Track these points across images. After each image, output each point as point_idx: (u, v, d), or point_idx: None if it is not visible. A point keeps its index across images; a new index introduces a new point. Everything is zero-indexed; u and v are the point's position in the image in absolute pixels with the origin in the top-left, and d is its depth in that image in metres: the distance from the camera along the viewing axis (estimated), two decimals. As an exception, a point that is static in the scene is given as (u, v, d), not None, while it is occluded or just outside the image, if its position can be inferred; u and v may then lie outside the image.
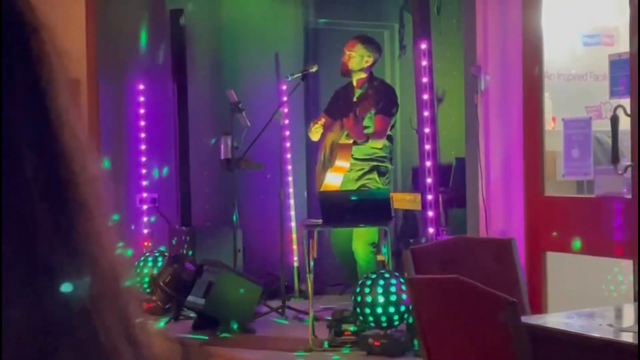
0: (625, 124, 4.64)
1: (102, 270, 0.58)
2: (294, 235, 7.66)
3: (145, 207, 7.56)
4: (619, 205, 4.74)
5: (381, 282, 5.42)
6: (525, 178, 5.38)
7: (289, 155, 7.66)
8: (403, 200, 6.99)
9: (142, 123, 7.63)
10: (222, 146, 6.86)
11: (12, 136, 0.55)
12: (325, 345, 5.58)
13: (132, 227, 7.40)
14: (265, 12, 8.04)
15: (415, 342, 5.09)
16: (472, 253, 4.09)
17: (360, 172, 6.53)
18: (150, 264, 6.90)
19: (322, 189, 6.47)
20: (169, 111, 7.56)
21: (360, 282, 5.55)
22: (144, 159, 7.62)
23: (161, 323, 6.40)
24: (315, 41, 8.21)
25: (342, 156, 6.49)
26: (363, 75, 6.65)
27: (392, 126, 6.66)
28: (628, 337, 2.94)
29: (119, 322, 0.58)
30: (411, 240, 6.50)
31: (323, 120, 6.65)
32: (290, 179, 7.72)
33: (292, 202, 7.74)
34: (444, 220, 6.04)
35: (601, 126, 5.18)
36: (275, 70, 7.47)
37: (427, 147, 5.88)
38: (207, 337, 5.99)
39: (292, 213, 7.72)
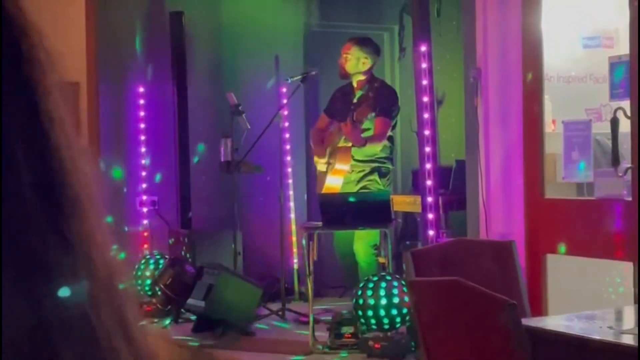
0: (625, 126, 4.64)
1: (99, 271, 0.58)
2: (294, 238, 7.66)
3: (145, 209, 7.55)
4: (619, 208, 4.74)
5: (381, 284, 5.42)
6: (525, 180, 5.38)
7: (288, 158, 7.66)
8: (403, 203, 6.99)
9: (142, 125, 7.63)
10: (222, 149, 6.86)
11: (2, 136, 0.55)
12: (326, 347, 5.58)
13: (132, 229, 7.40)
14: (265, 15, 8.04)
15: (415, 344, 5.09)
16: (472, 255, 4.09)
17: (362, 174, 6.53)
18: (150, 266, 6.90)
19: (323, 192, 6.47)
20: (169, 114, 7.56)
21: (360, 284, 5.55)
22: (143, 161, 7.62)
23: (163, 324, 6.40)
24: (315, 43, 8.21)
25: (341, 159, 6.49)
26: (362, 77, 6.63)
27: (393, 127, 6.66)
28: (628, 340, 2.93)
29: (117, 323, 0.58)
30: (411, 243, 6.50)
31: (324, 157, 6.61)
32: (290, 181, 7.72)
33: (292, 204, 7.74)
34: (444, 223, 6.04)
35: (601, 128, 5.18)
36: (275, 73, 7.47)
37: (427, 149, 5.88)
38: (207, 340, 5.99)
39: (292, 215, 7.72)
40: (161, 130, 7.62)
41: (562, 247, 5.13)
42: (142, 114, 7.63)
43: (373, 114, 6.46)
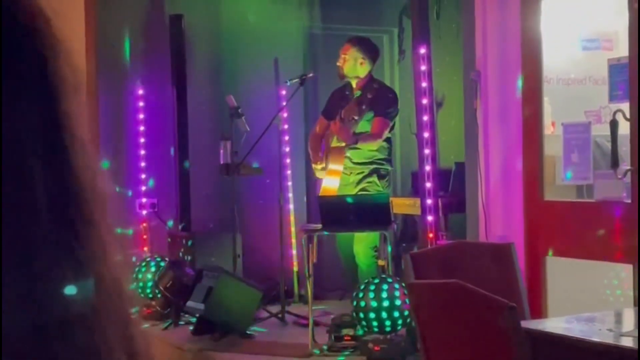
0: (624, 128, 4.64)
1: (105, 285, 0.59)
2: (294, 240, 7.66)
3: (144, 212, 7.55)
4: (618, 210, 4.74)
5: (381, 286, 5.41)
6: (525, 182, 5.38)
7: (288, 160, 7.66)
8: (402, 205, 6.99)
9: (142, 128, 7.63)
10: (222, 151, 6.86)
11: (24, 150, 0.55)
12: (325, 350, 5.58)
13: (131, 231, 7.39)
14: (264, 17, 8.04)
15: (415, 346, 5.08)
16: (471, 258, 4.09)
17: (361, 176, 6.52)
18: (149, 269, 6.89)
19: (320, 193, 6.47)
20: (168, 116, 7.56)
21: (360, 286, 5.54)
22: (143, 164, 7.61)
23: (162, 326, 6.40)
24: (315, 46, 8.22)
25: (335, 159, 6.48)
26: (361, 78, 6.62)
27: (392, 128, 6.64)
28: (628, 342, 2.93)
29: (119, 334, 0.59)
30: (411, 245, 6.50)
31: (322, 163, 6.61)
32: (289, 183, 7.72)
33: (291, 206, 7.74)
34: (443, 225, 6.04)
35: (600, 130, 5.18)
36: (274, 75, 7.47)
37: (427, 151, 5.88)
38: (206, 343, 5.99)
39: (292, 218, 7.72)
40: (161, 132, 7.62)
41: (562, 250, 5.13)
42: (141, 116, 7.64)
43: (366, 116, 6.44)
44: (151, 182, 7.63)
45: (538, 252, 5.27)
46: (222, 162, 6.87)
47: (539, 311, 5.04)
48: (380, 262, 6.10)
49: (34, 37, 0.58)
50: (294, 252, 7.61)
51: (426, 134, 5.90)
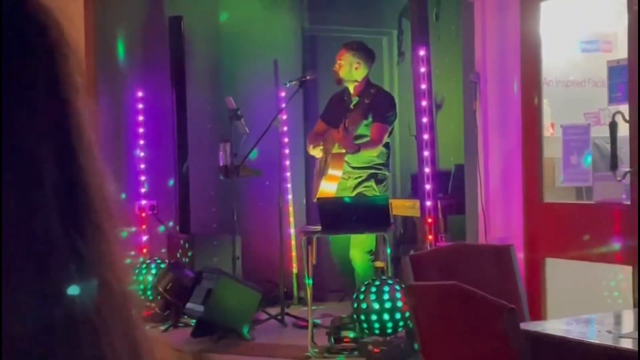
0: (623, 130, 4.64)
1: (111, 287, 0.59)
2: (293, 242, 7.65)
3: (144, 214, 7.55)
4: (617, 212, 4.74)
5: (381, 288, 5.41)
6: (524, 184, 5.38)
7: (287, 162, 7.66)
8: (402, 207, 7.00)
9: (141, 130, 7.63)
10: (221, 153, 6.86)
11: (34, 156, 0.56)
12: (325, 352, 5.58)
13: (131, 234, 7.39)
14: (263, 19, 8.05)
15: (415, 347, 5.08)
16: (471, 260, 4.09)
17: (358, 180, 6.51)
18: (149, 271, 6.89)
19: (317, 197, 6.47)
20: (167, 118, 7.56)
21: (359, 288, 5.54)
22: (142, 166, 7.62)
23: (162, 328, 6.40)
24: (314, 48, 8.22)
25: (334, 165, 6.48)
26: (358, 82, 6.60)
27: (390, 133, 6.64)
28: (627, 344, 2.93)
29: (123, 336, 0.59)
30: (410, 247, 6.50)
31: (318, 145, 6.60)
32: (289, 185, 7.71)
33: (291, 208, 7.73)
34: (443, 227, 6.04)
35: (600, 132, 5.18)
36: (274, 77, 7.47)
37: (426, 153, 5.88)
38: (206, 345, 5.99)
39: (291, 220, 7.72)
40: (160, 134, 7.62)
41: (561, 252, 5.13)
42: (140, 118, 7.64)
43: (365, 122, 6.44)
44: (150, 184, 7.63)
45: (537, 254, 5.27)
46: (221, 164, 6.87)
47: (538, 313, 5.04)
48: (379, 264, 6.09)
49: (45, 39, 0.58)
50: (294, 254, 7.61)
51: (426, 136, 5.90)
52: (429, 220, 5.83)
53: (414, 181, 7.24)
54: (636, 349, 2.80)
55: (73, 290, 0.56)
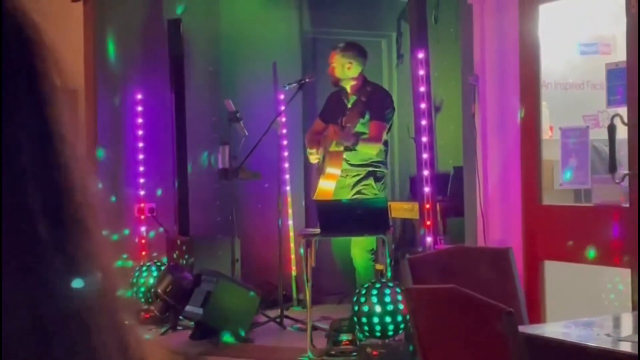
0: (622, 132, 4.65)
1: (99, 286, 0.59)
2: (292, 245, 7.65)
3: (143, 216, 7.55)
4: (616, 214, 4.74)
5: (379, 291, 5.41)
6: (523, 187, 5.38)
7: (286, 165, 7.66)
8: (401, 209, 7.00)
9: (140, 132, 7.63)
10: (220, 155, 6.86)
11: (16, 155, 0.56)
12: (324, 355, 5.57)
13: (130, 236, 7.39)
14: (263, 22, 8.05)
15: (413, 350, 5.08)
16: (469, 262, 4.09)
17: (357, 178, 6.52)
18: (148, 273, 6.89)
19: (316, 196, 6.48)
20: (167, 120, 7.56)
21: (358, 291, 5.54)
22: (141, 168, 7.61)
23: (161, 331, 6.39)
24: (313, 50, 8.22)
25: (332, 163, 6.49)
26: (354, 81, 6.64)
27: (389, 130, 6.65)
28: (626, 347, 2.93)
29: (113, 333, 0.59)
30: (409, 250, 6.50)
31: (317, 150, 6.62)
32: (288, 188, 7.71)
33: (290, 211, 7.73)
34: (441, 230, 6.04)
35: (598, 135, 5.18)
36: (273, 80, 7.47)
37: (425, 156, 5.88)
38: (205, 347, 5.98)
39: (290, 222, 7.72)
40: (159, 137, 7.62)
41: (560, 254, 5.13)
42: (140, 120, 7.63)
43: (362, 120, 6.46)
44: (149, 187, 7.63)
45: (536, 257, 5.27)
46: (220, 167, 6.87)
47: (537, 316, 5.04)
48: (379, 267, 6.09)
49: (24, 46, 0.58)
50: (293, 256, 7.61)
51: (424, 139, 5.90)
52: (428, 222, 5.83)
53: (412, 183, 7.24)
54: (635, 352, 2.80)
55: (61, 287, 0.56)
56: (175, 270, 6.68)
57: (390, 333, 5.39)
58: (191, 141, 7.56)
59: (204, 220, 7.58)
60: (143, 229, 7.56)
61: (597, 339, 3.07)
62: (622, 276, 4.90)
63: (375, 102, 6.52)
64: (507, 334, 2.91)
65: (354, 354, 5.49)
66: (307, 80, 6.77)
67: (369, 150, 6.46)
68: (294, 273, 7.54)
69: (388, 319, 5.36)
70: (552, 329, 3.51)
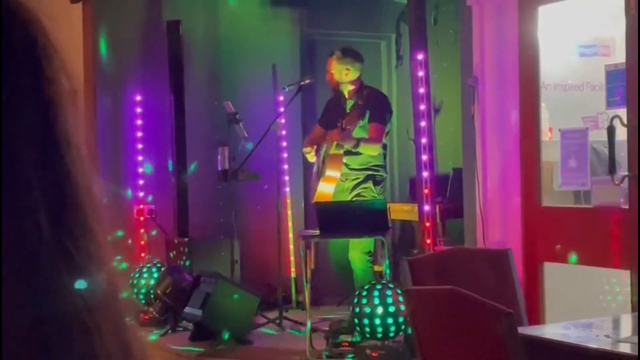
0: (622, 134, 4.65)
1: (102, 288, 0.60)
2: (292, 246, 7.65)
3: (142, 218, 7.55)
4: (616, 216, 4.74)
5: (379, 292, 5.41)
6: (522, 188, 5.38)
7: (286, 166, 7.66)
8: (400, 211, 7.00)
9: (140, 134, 7.63)
10: (220, 157, 6.86)
11: (21, 157, 0.56)
12: (323, 356, 5.57)
13: (129, 238, 7.39)
14: (262, 24, 8.05)
15: (412, 353, 5.08)
16: (469, 264, 4.09)
17: (356, 182, 6.53)
18: (147, 275, 6.89)
19: (315, 199, 6.49)
20: (166, 122, 7.56)
21: (357, 292, 5.54)
22: (141, 170, 7.61)
23: (160, 333, 6.39)
24: (313, 52, 8.22)
25: (332, 166, 6.50)
26: (352, 86, 6.68)
27: (387, 133, 6.66)
28: (626, 348, 2.93)
29: (115, 335, 0.60)
30: (408, 251, 6.50)
31: (312, 147, 6.64)
32: (287, 189, 7.71)
33: (289, 212, 7.73)
34: (441, 231, 6.04)
35: (598, 136, 5.18)
36: (272, 82, 7.47)
37: (424, 157, 5.88)
38: (204, 349, 5.98)
39: (290, 224, 7.71)
40: (158, 138, 7.62)
41: (559, 255, 5.13)
42: (139, 122, 7.63)
43: (362, 122, 6.48)
44: (149, 188, 7.63)
45: (535, 258, 5.27)
46: (220, 168, 6.88)
47: (536, 317, 5.04)
48: (377, 268, 6.09)
49: (30, 46, 0.58)
50: (292, 258, 7.61)
51: (424, 140, 5.90)
52: (427, 224, 5.83)
53: (412, 185, 7.24)
54: (635, 353, 2.80)
55: (63, 289, 0.56)
56: (174, 272, 6.68)
57: (392, 334, 5.39)
58: (190, 143, 7.56)
59: (203, 222, 7.58)
60: (142, 230, 7.56)
61: (596, 340, 3.07)
62: (619, 277, 4.90)
63: (374, 105, 6.55)
64: (506, 335, 2.90)
65: (354, 355, 5.49)
66: (306, 81, 6.78)
67: (370, 151, 6.48)
68: (293, 274, 7.54)
69: (390, 320, 5.36)
70: (552, 330, 3.51)
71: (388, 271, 5.78)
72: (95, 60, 7.41)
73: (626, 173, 4.60)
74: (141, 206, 7.55)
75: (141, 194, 7.59)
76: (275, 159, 7.16)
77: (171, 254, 7.33)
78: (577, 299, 5.11)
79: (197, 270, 6.70)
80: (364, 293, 5.44)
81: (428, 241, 5.80)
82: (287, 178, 7.69)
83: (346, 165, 6.52)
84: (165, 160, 7.59)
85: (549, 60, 5.49)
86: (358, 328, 5.43)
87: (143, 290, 6.81)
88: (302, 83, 6.75)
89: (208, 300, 6.05)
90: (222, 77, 7.94)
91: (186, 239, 7.33)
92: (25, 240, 0.56)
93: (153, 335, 6.33)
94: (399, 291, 5.38)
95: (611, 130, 4.59)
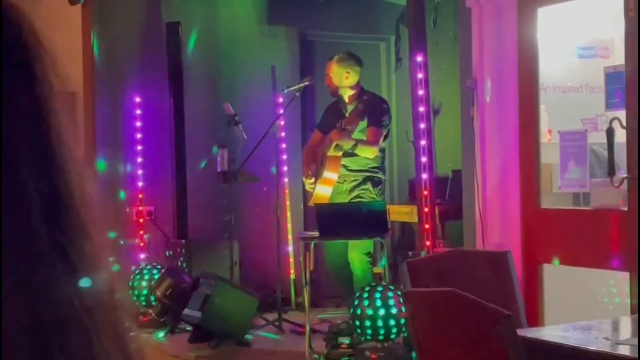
0: (621, 136, 4.64)
1: (98, 289, 0.59)
2: (291, 248, 7.65)
3: (141, 220, 7.55)
4: (615, 218, 4.74)
5: (378, 294, 5.41)
6: (522, 190, 5.37)
7: (285, 168, 7.66)
8: (400, 213, 7.00)
9: (139, 135, 7.63)
10: (219, 159, 6.86)
11: (15, 158, 0.56)
12: (322, 358, 5.57)
13: (128, 240, 7.39)
14: (261, 26, 8.05)
15: (412, 354, 5.08)
16: (468, 266, 4.09)
17: (354, 183, 6.54)
18: (146, 276, 6.88)
19: (312, 201, 6.50)
20: (165, 124, 7.56)
21: (357, 294, 5.54)
22: (140, 171, 7.61)
23: (159, 334, 6.39)
24: (312, 54, 8.22)
25: (330, 168, 6.50)
26: (352, 90, 6.69)
27: (386, 137, 6.67)
28: (625, 350, 2.93)
29: (113, 336, 0.60)
30: (408, 253, 6.50)
31: (312, 178, 6.65)
32: (286, 191, 7.71)
33: (288, 214, 7.73)
34: (440, 233, 6.04)
35: (597, 138, 5.18)
36: (271, 83, 7.47)
37: (424, 159, 5.89)
38: (203, 351, 5.98)
39: (289, 225, 7.71)
40: (158, 140, 7.62)
41: (558, 257, 5.13)
42: (138, 124, 7.63)
43: (362, 123, 6.49)
44: (148, 190, 7.62)
45: (535, 260, 5.26)
46: (219, 170, 6.88)
47: (535, 319, 5.04)
48: (377, 270, 6.09)
49: (19, 46, 0.58)
50: (291, 259, 7.61)
51: (423, 142, 5.90)
52: (427, 226, 5.83)
53: (411, 187, 7.24)
54: (634, 355, 2.79)
55: (60, 291, 0.56)
56: (173, 274, 6.68)
57: (393, 336, 5.39)
58: (190, 144, 7.56)
59: (202, 224, 7.58)
60: (142, 232, 7.56)
61: (595, 342, 3.07)
62: (620, 280, 4.90)
63: (373, 109, 6.57)
64: (505, 337, 2.90)
65: (353, 357, 5.49)
66: (306, 83, 6.79)
67: (367, 154, 6.48)
68: (292, 276, 7.54)
69: (392, 322, 5.36)
70: (551, 332, 3.51)
71: (387, 273, 5.78)
72: (95, 61, 7.41)
73: (625, 175, 4.60)
74: (140, 208, 7.55)
75: (140, 196, 7.59)
76: (275, 160, 7.16)
77: (169, 254, 7.33)
78: (576, 301, 5.11)
79: (196, 272, 6.70)
80: (365, 295, 5.44)
81: (427, 243, 5.80)
82: (286, 180, 7.69)
83: (345, 166, 6.52)
84: (164, 161, 7.59)
85: (548, 62, 5.49)
86: (359, 330, 5.42)
87: (144, 292, 6.80)
88: (302, 84, 6.75)
89: (207, 302, 6.05)
90: (222, 78, 7.94)
91: (185, 241, 7.33)
92: (21, 240, 0.56)
93: (152, 337, 6.32)
94: (396, 293, 5.38)
95: (610, 132, 4.59)
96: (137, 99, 7.62)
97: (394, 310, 5.36)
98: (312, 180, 6.65)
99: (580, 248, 4.94)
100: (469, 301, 3.08)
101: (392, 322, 5.37)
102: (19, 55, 0.58)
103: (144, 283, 6.83)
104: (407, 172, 7.73)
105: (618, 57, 5.13)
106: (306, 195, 7.67)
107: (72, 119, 0.63)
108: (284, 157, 7.65)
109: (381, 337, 5.39)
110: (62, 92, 0.62)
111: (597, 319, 3.89)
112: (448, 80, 7.08)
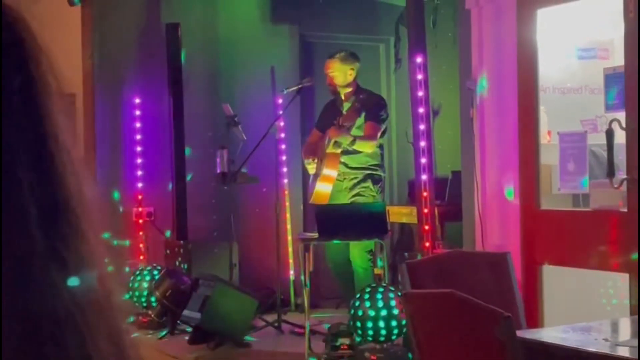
0: (620, 137, 4.65)
1: (95, 291, 0.59)
2: (290, 249, 7.65)
3: (141, 221, 7.55)
4: (614, 219, 4.74)
5: (379, 295, 5.41)
6: (521, 191, 5.37)
7: (284, 169, 7.66)
8: (399, 214, 7.00)
9: (138, 136, 7.63)
10: (218, 160, 6.86)
11: (11, 159, 0.56)
12: (322, 359, 5.57)
13: (128, 241, 7.39)
14: (260, 26, 8.05)
15: (411, 356, 5.08)
16: (467, 267, 4.09)
17: (355, 181, 6.54)
18: (146, 278, 6.88)
19: (312, 199, 6.49)
20: (165, 125, 7.56)
21: (359, 295, 5.54)
22: (140, 172, 7.61)
23: (159, 336, 6.38)
24: (311, 55, 8.22)
25: (329, 165, 6.50)
26: (349, 88, 6.69)
27: (384, 133, 6.67)
28: (624, 352, 2.93)
29: (108, 337, 0.60)
30: (407, 254, 6.50)
31: (313, 159, 6.64)
32: (286, 192, 7.72)
33: (288, 215, 7.73)
34: (439, 234, 6.04)
35: (596, 139, 5.18)
36: (271, 84, 7.48)
37: (423, 160, 5.89)
38: (203, 352, 5.97)
39: (289, 226, 7.71)
40: (157, 141, 7.62)
41: (558, 259, 5.13)
42: (138, 125, 7.63)
43: (359, 119, 6.49)
44: (148, 191, 7.62)
45: (534, 261, 5.26)
46: (218, 171, 6.88)
47: (535, 321, 5.04)
48: (376, 271, 6.09)
49: (16, 46, 0.58)
50: (291, 260, 7.61)
51: (423, 143, 5.90)
52: (426, 227, 5.83)
53: (411, 188, 7.24)
54: (634, 356, 2.79)
55: (55, 292, 0.56)
56: (173, 275, 6.67)
57: (394, 337, 5.40)
58: (189, 145, 7.56)
59: (202, 225, 7.58)
60: (141, 233, 7.56)
61: (595, 343, 3.07)
62: (620, 281, 4.90)
63: (370, 105, 6.57)
64: (505, 338, 2.90)
65: (352, 358, 5.49)
66: (305, 84, 6.78)
67: (366, 148, 6.48)
68: (292, 277, 7.54)
69: (393, 323, 5.36)
70: (550, 333, 3.51)
71: (387, 274, 5.78)
72: (94, 62, 7.41)
73: (625, 176, 4.60)
74: (140, 209, 7.54)
75: (140, 197, 7.59)
76: (274, 161, 7.16)
77: (168, 254, 7.33)
78: (575, 302, 5.11)
79: (195, 273, 6.70)
80: (367, 296, 5.44)
81: (427, 244, 5.80)
82: (285, 181, 7.70)
83: (345, 164, 6.53)
84: (164, 162, 7.59)
85: (548, 63, 5.49)
86: (359, 331, 5.42)
87: (145, 293, 6.80)
88: (301, 85, 6.75)
89: (207, 303, 6.05)
90: (221, 79, 7.94)
91: (185, 242, 7.32)
92: (16, 243, 0.55)
93: (152, 338, 6.32)
94: (396, 294, 5.38)
95: (610, 134, 4.59)
96: (137, 100, 7.62)
97: (395, 311, 5.36)
98: (314, 161, 6.60)
99: (580, 249, 4.94)
100: (469, 302, 3.08)
101: (393, 323, 5.37)
102: (16, 57, 0.58)
103: (144, 284, 6.82)
104: (407, 173, 7.73)
105: (618, 59, 5.13)
106: (306, 196, 7.68)
107: (71, 120, 0.63)
108: (284, 158, 7.65)
109: (382, 338, 5.39)
110: (61, 94, 0.61)
111: (597, 320, 3.89)
112: (447, 81, 7.09)
